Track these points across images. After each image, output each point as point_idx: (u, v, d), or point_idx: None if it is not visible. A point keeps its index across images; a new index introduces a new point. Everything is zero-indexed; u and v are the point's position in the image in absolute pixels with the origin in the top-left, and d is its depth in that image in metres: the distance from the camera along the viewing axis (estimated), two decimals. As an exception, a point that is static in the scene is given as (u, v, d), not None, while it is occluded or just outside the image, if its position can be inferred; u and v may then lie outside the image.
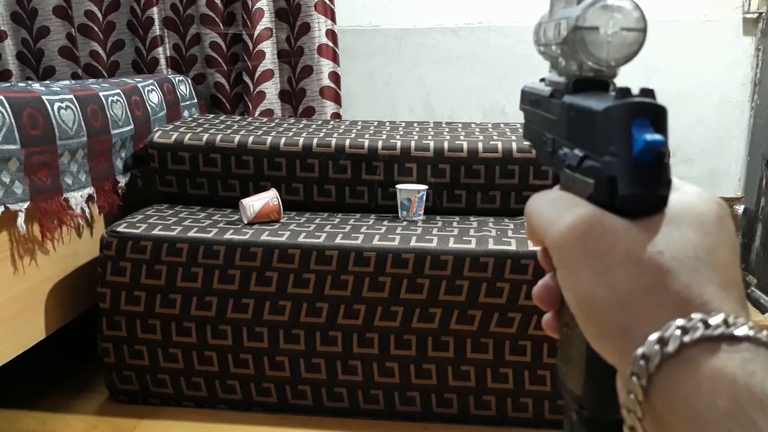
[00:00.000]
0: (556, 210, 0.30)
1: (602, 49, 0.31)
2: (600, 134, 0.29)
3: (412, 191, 1.53)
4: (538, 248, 0.34)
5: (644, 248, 0.27)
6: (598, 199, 0.29)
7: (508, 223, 1.53)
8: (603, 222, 0.28)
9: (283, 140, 1.63)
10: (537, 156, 0.39)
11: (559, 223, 0.29)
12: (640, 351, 0.25)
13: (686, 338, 0.25)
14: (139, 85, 1.78)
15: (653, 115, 0.28)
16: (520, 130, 1.74)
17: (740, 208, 2.06)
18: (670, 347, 0.25)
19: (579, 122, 0.31)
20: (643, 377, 0.25)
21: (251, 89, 2.12)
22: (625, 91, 0.28)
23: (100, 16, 2.17)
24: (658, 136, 0.27)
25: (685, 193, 0.29)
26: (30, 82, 2.06)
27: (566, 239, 0.28)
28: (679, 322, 0.25)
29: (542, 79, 0.39)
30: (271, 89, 2.15)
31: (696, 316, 0.25)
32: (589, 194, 0.29)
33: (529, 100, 0.41)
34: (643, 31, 0.30)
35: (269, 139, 1.64)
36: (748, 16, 2.04)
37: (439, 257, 1.36)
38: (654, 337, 0.25)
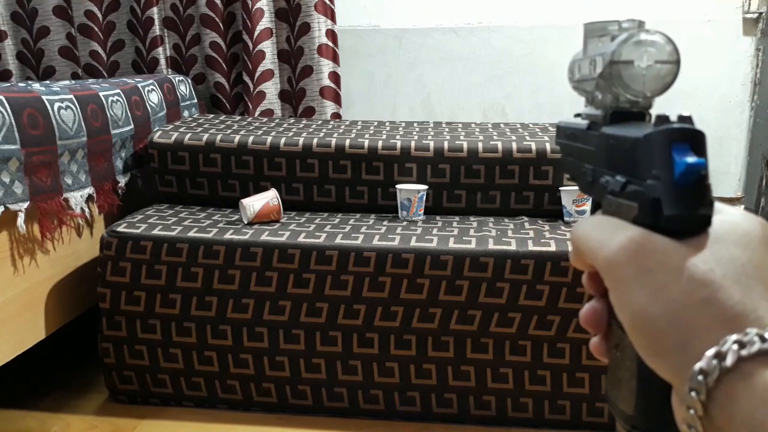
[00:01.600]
0: (604, 232, 0.31)
1: (638, 81, 0.33)
2: (642, 160, 0.30)
3: (412, 191, 1.53)
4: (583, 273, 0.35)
5: (696, 265, 0.27)
6: (644, 221, 0.29)
7: (508, 223, 1.53)
8: (652, 241, 0.29)
9: (283, 140, 1.63)
10: (578, 186, 0.41)
11: (609, 244, 0.30)
12: (698, 366, 0.26)
13: (743, 352, 0.25)
14: (139, 85, 1.78)
15: (693, 139, 0.29)
16: (520, 130, 1.74)
17: (740, 209, 2.06)
18: (728, 361, 0.25)
19: (619, 150, 0.32)
20: (702, 392, 0.26)
21: (251, 89, 2.12)
22: (664, 118, 0.29)
23: (100, 16, 2.17)
24: (698, 159, 0.28)
25: (729, 213, 0.30)
26: (30, 82, 2.06)
27: (618, 258, 0.29)
28: (735, 336, 0.25)
29: (577, 114, 0.41)
30: (271, 89, 2.15)
31: (752, 330, 0.25)
32: (634, 217, 0.30)
33: (565, 134, 0.43)
34: (677, 63, 0.32)
35: (269, 139, 1.64)
36: (748, 16, 2.04)
37: (439, 257, 1.36)
38: (711, 352, 0.26)
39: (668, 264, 0.28)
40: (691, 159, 0.28)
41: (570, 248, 0.34)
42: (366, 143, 1.61)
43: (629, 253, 0.29)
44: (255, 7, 2.06)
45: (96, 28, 2.17)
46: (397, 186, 1.56)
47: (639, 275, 0.28)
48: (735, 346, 0.25)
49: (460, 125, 1.85)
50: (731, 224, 0.29)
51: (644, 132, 0.29)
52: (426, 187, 1.56)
